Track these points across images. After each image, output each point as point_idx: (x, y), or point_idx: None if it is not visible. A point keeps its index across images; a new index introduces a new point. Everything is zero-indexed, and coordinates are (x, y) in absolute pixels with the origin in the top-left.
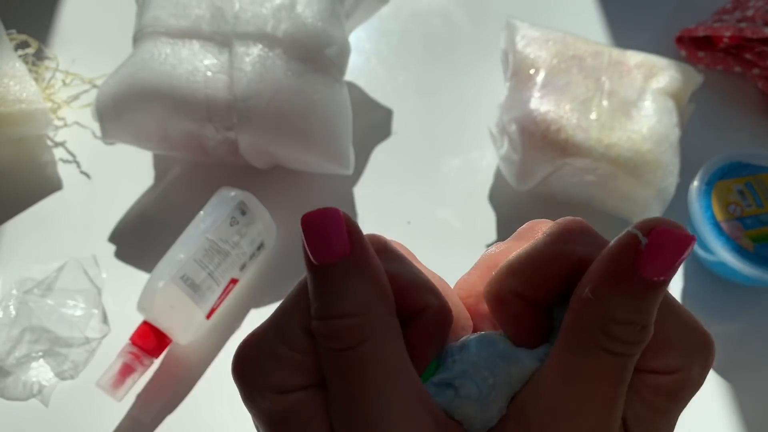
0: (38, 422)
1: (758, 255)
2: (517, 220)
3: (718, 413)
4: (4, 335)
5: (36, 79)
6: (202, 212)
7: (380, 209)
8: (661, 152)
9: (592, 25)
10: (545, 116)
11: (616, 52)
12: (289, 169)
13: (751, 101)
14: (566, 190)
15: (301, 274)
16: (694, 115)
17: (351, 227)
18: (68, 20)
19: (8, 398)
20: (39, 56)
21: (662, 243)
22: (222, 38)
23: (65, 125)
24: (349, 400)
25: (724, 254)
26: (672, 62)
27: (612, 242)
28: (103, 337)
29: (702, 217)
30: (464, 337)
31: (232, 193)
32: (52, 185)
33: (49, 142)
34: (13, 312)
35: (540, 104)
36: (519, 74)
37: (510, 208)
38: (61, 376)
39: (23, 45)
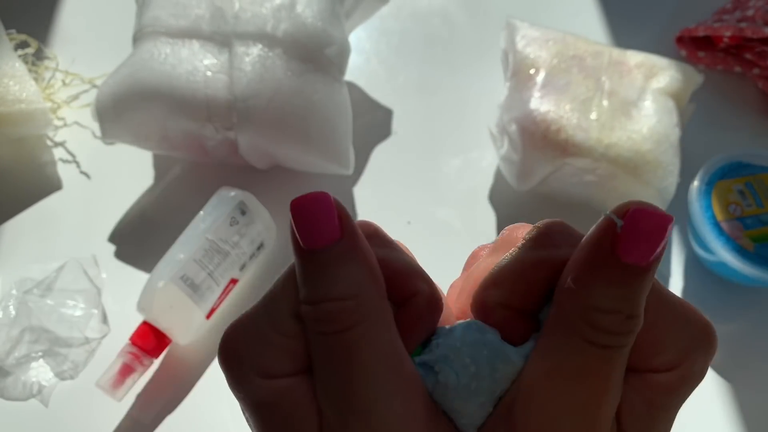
0: (38, 422)
1: (758, 255)
2: (517, 221)
3: (718, 413)
4: (3, 335)
5: (36, 79)
6: (201, 212)
7: (380, 209)
8: (662, 152)
9: (592, 25)
10: (545, 116)
11: (617, 52)
12: (289, 169)
13: (752, 101)
14: (566, 190)
15: None
16: (694, 115)
17: (341, 212)
18: (68, 20)
19: (8, 398)
20: (39, 56)
21: (638, 224)
22: (222, 38)
23: (65, 125)
24: (341, 384)
25: (724, 254)
26: (672, 62)
27: (590, 229)
28: (103, 337)
29: (702, 217)
30: (455, 323)
31: (232, 193)
32: (52, 185)
33: (49, 142)
34: (13, 312)
35: (540, 104)
36: (519, 74)
37: (510, 208)
38: (60, 376)
39: (23, 45)
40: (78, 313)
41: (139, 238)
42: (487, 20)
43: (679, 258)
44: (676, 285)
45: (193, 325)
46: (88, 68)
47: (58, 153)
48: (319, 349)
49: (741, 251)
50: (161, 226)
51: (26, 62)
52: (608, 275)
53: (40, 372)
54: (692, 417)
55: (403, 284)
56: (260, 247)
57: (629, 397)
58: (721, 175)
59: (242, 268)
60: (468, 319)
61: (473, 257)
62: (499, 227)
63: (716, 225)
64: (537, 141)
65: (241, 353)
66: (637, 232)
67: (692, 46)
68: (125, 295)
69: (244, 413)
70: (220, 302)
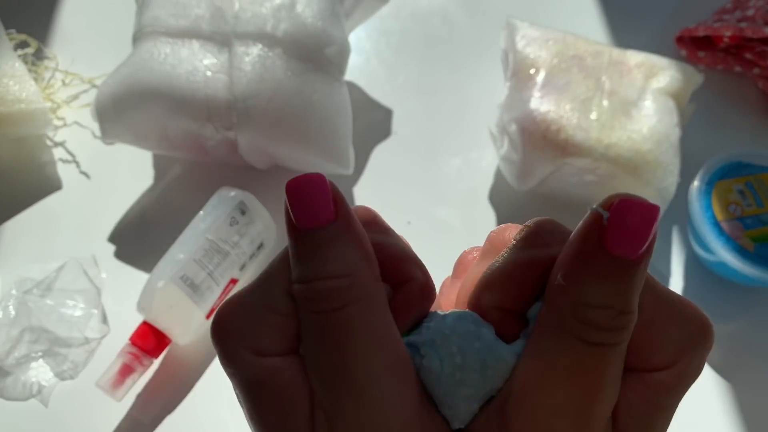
0: (38, 422)
1: (758, 255)
2: (517, 220)
3: (718, 413)
4: (3, 335)
5: (35, 79)
6: (201, 212)
7: (380, 209)
8: (662, 152)
9: (593, 25)
10: (545, 116)
11: (617, 52)
12: (289, 169)
13: (752, 101)
14: (566, 190)
15: None
16: (694, 115)
17: (336, 194)
18: (68, 20)
19: (8, 398)
20: (38, 56)
21: (625, 216)
22: (222, 38)
23: (65, 125)
24: (333, 363)
25: (724, 254)
26: (672, 62)
27: (578, 224)
28: (103, 337)
29: (702, 217)
30: (450, 311)
31: (232, 193)
32: (52, 185)
33: (49, 142)
34: (13, 312)
35: (540, 104)
36: (519, 74)
37: (510, 208)
38: (60, 376)
39: (23, 45)
40: (78, 313)
41: (139, 238)
42: (487, 20)
43: (679, 258)
44: (676, 285)
45: (193, 325)
46: (87, 68)
47: (58, 153)
48: (311, 327)
49: (741, 251)
50: (161, 226)
51: (26, 62)
52: (598, 269)
53: (40, 372)
54: (692, 417)
55: (398, 269)
56: (260, 247)
57: (626, 397)
58: (721, 175)
59: (242, 268)
60: (465, 309)
61: (461, 262)
62: None
63: (716, 225)
64: (537, 141)
65: (234, 330)
66: (624, 223)
67: (692, 46)
68: (125, 295)
69: (235, 391)
70: (220, 302)
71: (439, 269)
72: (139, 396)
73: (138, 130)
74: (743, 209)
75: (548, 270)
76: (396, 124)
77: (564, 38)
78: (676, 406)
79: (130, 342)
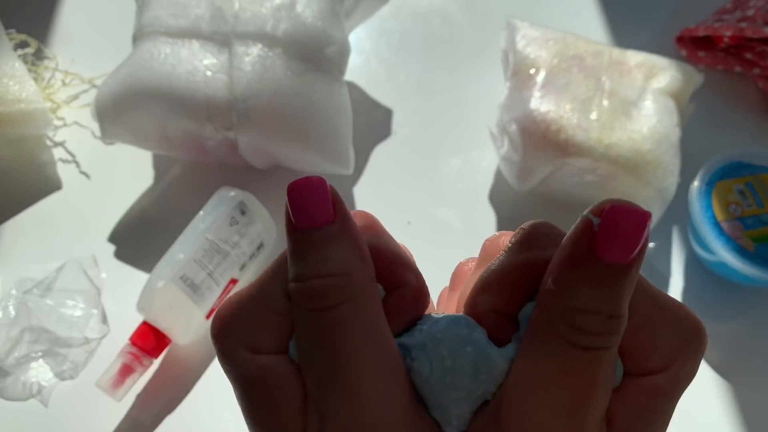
0: (38, 422)
1: (758, 255)
2: (517, 220)
3: (718, 413)
4: (3, 335)
5: (35, 79)
6: (201, 212)
7: (380, 209)
8: (662, 152)
9: (593, 25)
10: (545, 116)
11: (617, 52)
12: (289, 169)
13: (752, 101)
14: (566, 190)
15: None
16: (694, 115)
17: (335, 197)
18: (68, 20)
19: (8, 398)
20: (38, 56)
21: (615, 222)
22: (222, 38)
23: (65, 125)
24: (325, 361)
25: (724, 254)
26: (672, 62)
27: (570, 230)
28: (103, 337)
29: (702, 217)
30: (444, 314)
31: (232, 193)
32: (52, 185)
33: (49, 142)
34: (13, 312)
35: (540, 104)
36: (519, 74)
37: (510, 208)
38: (60, 376)
39: (23, 45)
40: (78, 313)
41: (139, 238)
42: (487, 20)
43: (679, 258)
44: (676, 285)
45: (192, 326)
46: (87, 68)
47: (58, 153)
48: (306, 325)
49: (741, 251)
50: (161, 226)
51: (26, 62)
52: (588, 275)
53: (40, 372)
54: (692, 417)
55: (392, 273)
56: (260, 247)
57: (622, 402)
58: (722, 175)
59: (242, 268)
60: (459, 314)
61: (458, 273)
62: (499, 227)
63: (716, 225)
64: (537, 141)
65: (232, 328)
66: (615, 229)
67: (692, 46)
68: (125, 295)
69: (233, 388)
70: (220, 302)
71: (438, 269)
72: (139, 396)
73: (138, 130)
74: (743, 209)
75: (542, 272)
76: (396, 124)
77: (564, 38)
78: (672, 410)
79: (130, 342)
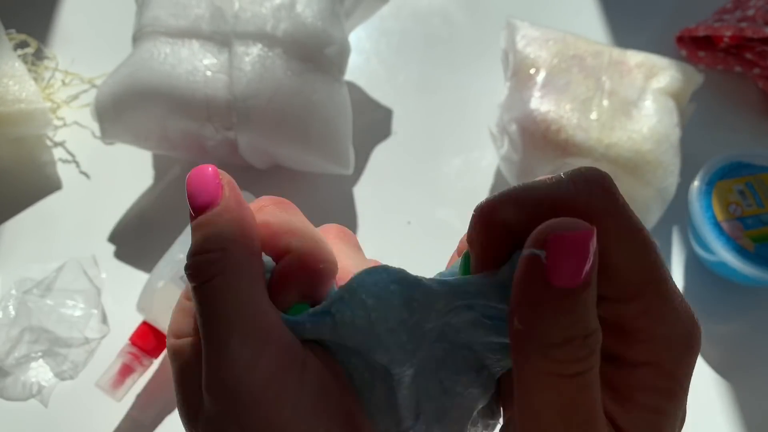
0: (37, 422)
1: (758, 255)
2: None
3: (718, 413)
4: (3, 335)
5: (35, 79)
6: None
7: (380, 209)
8: (662, 152)
9: (593, 25)
10: (545, 116)
11: (617, 52)
12: (289, 169)
13: (752, 101)
14: None
15: None
16: (694, 115)
17: (226, 182)
18: (68, 20)
19: (8, 398)
20: (38, 56)
21: (561, 250)
22: (221, 38)
23: (64, 125)
24: (204, 333)
25: (724, 254)
26: (672, 62)
27: (519, 264)
28: (103, 337)
29: (702, 217)
30: None
31: None
32: (52, 185)
33: (49, 142)
34: (13, 312)
35: (540, 104)
36: (519, 74)
37: None
38: (60, 376)
39: (23, 44)
40: (78, 313)
41: (139, 238)
42: (487, 20)
43: (679, 258)
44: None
45: None
46: (87, 68)
47: (58, 153)
48: (195, 300)
49: (741, 251)
50: (161, 226)
51: (26, 62)
52: (551, 307)
53: (40, 372)
54: (692, 417)
55: (277, 242)
56: None
57: (627, 408)
58: (722, 175)
59: None
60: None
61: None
62: None
63: (716, 225)
64: (537, 141)
65: (171, 320)
66: (563, 257)
67: (692, 46)
68: (125, 295)
69: None
70: None
71: (439, 269)
72: (139, 396)
73: (138, 130)
74: (743, 209)
75: (538, 207)
76: (396, 124)
77: (564, 38)
78: (678, 411)
79: (129, 342)
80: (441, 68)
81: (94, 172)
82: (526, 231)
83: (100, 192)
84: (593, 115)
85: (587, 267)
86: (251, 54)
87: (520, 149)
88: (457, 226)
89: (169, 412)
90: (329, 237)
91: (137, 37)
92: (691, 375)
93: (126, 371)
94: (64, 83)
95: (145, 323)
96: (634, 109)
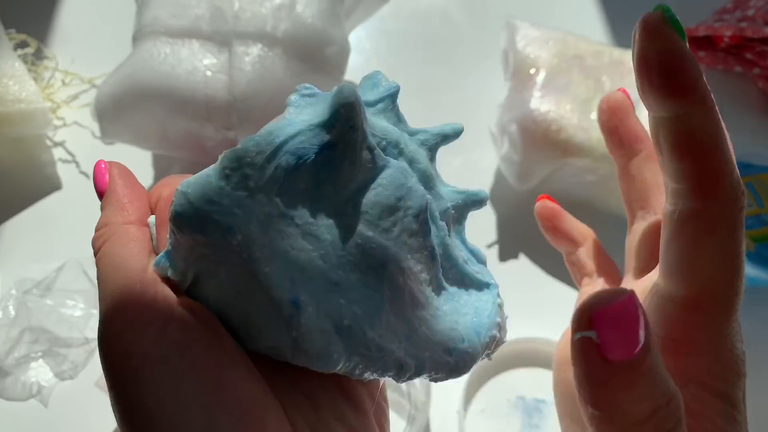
0: (37, 423)
1: (759, 255)
2: (517, 220)
3: None
4: (3, 335)
5: (35, 79)
6: None
7: None
8: None
9: (593, 25)
10: (546, 116)
11: (617, 52)
12: None
13: (752, 101)
14: (567, 190)
15: None
16: None
17: (112, 171)
18: (68, 20)
19: (7, 398)
20: (38, 56)
21: (608, 324)
22: (221, 38)
23: (64, 125)
24: (98, 294)
25: None
26: None
27: (572, 355)
28: None
29: None
30: None
31: None
32: (52, 185)
33: (49, 142)
34: (12, 312)
35: (540, 104)
36: (519, 74)
37: (510, 208)
38: (60, 376)
39: (22, 44)
40: (77, 313)
41: None
42: (487, 20)
43: None
44: None
45: None
46: (87, 68)
47: (58, 153)
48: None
49: None
50: None
51: (26, 62)
52: (618, 384)
53: (40, 372)
54: None
55: (152, 201)
56: None
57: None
58: None
59: None
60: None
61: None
62: (499, 227)
63: None
64: (537, 141)
65: None
66: (610, 332)
67: (692, 46)
68: None
69: None
70: None
71: None
72: None
73: (138, 130)
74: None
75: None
76: None
77: (564, 38)
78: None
79: None
80: (441, 68)
81: None
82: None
83: None
84: (593, 115)
85: (640, 332)
86: (251, 54)
87: (520, 149)
88: None
89: None
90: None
91: (137, 37)
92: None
93: None
94: (64, 83)
95: None
96: (635, 110)
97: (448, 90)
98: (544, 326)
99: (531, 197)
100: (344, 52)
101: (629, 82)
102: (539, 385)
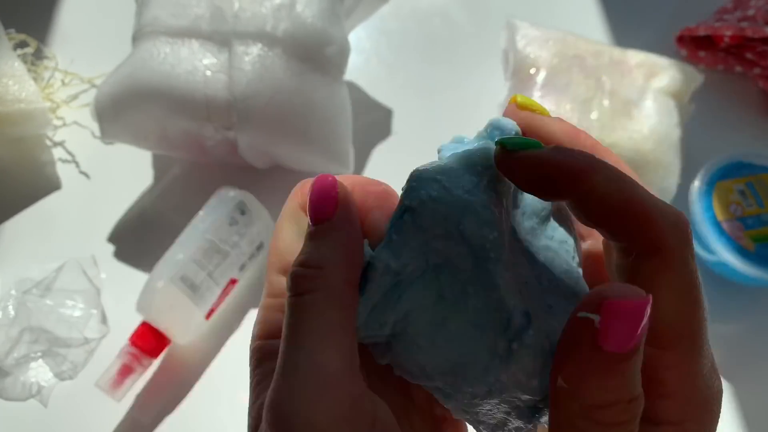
0: (37, 423)
1: (759, 255)
2: None
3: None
4: (2, 335)
5: (35, 79)
6: (201, 212)
7: None
8: (662, 152)
9: (593, 25)
10: None
11: (617, 52)
12: (289, 169)
13: (752, 101)
14: None
15: None
16: (694, 115)
17: (343, 196)
18: (67, 20)
19: (7, 399)
20: (38, 56)
21: (615, 317)
22: (221, 37)
23: (64, 125)
24: (283, 344)
25: (724, 254)
26: (673, 62)
27: (567, 325)
28: (102, 337)
29: (703, 217)
30: None
31: (232, 193)
32: (51, 185)
33: (48, 142)
34: (12, 312)
35: (540, 104)
36: (519, 74)
37: None
38: (60, 376)
39: (22, 44)
40: (77, 313)
41: (139, 238)
42: (487, 20)
43: None
44: None
45: (192, 326)
46: (87, 68)
47: (58, 153)
48: (286, 309)
49: (742, 251)
50: (161, 226)
51: (25, 62)
52: (598, 370)
53: (40, 372)
54: None
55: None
56: (260, 247)
57: None
58: (722, 175)
59: (242, 268)
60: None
61: None
62: None
63: (717, 225)
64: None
65: None
66: (616, 325)
67: (693, 46)
68: (124, 295)
69: None
70: (220, 302)
71: None
72: (138, 396)
73: (137, 130)
74: (744, 209)
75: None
76: (396, 124)
77: (564, 38)
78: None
79: (129, 342)
80: (441, 68)
81: (94, 172)
82: (592, 206)
83: (100, 192)
84: (593, 115)
85: (638, 334)
86: (251, 54)
87: None
88: None
89: (169, 412)
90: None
91: (137, 37)
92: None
93: (126, 371)
94: (63, 83)
95: (144, 323)
96: (635, 109)
97: (448, 90)
98: None
99: None
100: (344, 51)
101: (629, 82)
102: None
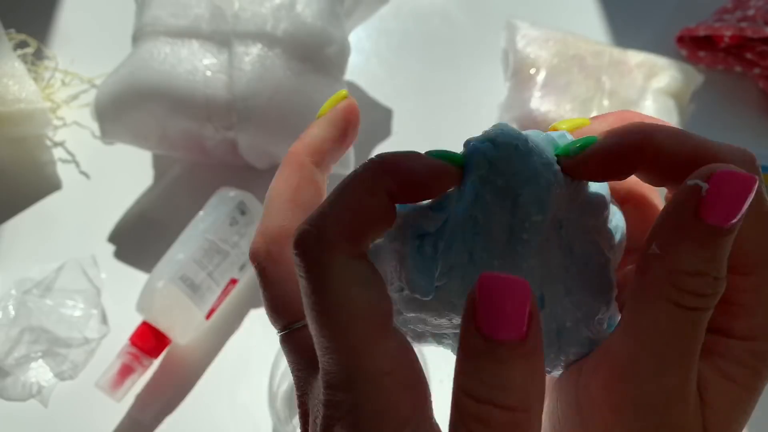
0: (37, 423)
1: None
2: None
3: None
4: (3, 335)
5: (35, 79)
6: (201, 212)
7: None
8: None
9: (593, 25)
10: (545, 116)
11: (617, 52)
12: None
13: (752, 101)
14: None
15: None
16: (694, 115)
17: (533, 306)
18: (67, 20)
19: (7, 399)
20: (38, 56)
21: (723, 186)
22: (221, 38)
23: (64, 125)
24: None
25: None
26: (673, 62)
27: (674, 194)
28: (102, 337)
29: None
30: None
31: (232, 193)
32: (52, 185)
33: (49, 142)
34: (12, 312)
35: (540, 104)
36: (519, 74)
37: None
38: (60, 376)
39: (22, 44)
40: (77, 313)
41: (139, 238)
42: (487, 20)
43: None
44: None
45: (192, 326)
46: (87, 68)
47: (58, 153)
48: None
49: None
50: (161, 226)
51: (26, 62)
52: (694, 238)
53: (40, 372)
54: None
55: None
56: None
57: (711, 372)
58: None
59: (242, 268)
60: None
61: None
62: None
63: None
64: None
65: None
66: (722, 195)
67: (693, 46)
68: (125, 295)
69: None
70: (220, 302)
71: None
72: (139, 396)
73: (137, 130)
74: None
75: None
76: (396, 124)
77: (564, 38)
78: (761, 390)
79: (129, 342)
80: (441, 68)
81: (94, 172)
82: (664, 166)
83: (100, 192)
84: (594, 115)
85: (739, 213)
86: (251, 54)
87: None
88: None
89: (169, 412)
90: None
91: (137, 37)
92: None
93: (126, 371)
94: (63, 83)
95: (145, 323)
96: (635, 109)
97: (448, 90)
98: None
99: None
100: (344, 51)
101: (629, 82)
102: None
